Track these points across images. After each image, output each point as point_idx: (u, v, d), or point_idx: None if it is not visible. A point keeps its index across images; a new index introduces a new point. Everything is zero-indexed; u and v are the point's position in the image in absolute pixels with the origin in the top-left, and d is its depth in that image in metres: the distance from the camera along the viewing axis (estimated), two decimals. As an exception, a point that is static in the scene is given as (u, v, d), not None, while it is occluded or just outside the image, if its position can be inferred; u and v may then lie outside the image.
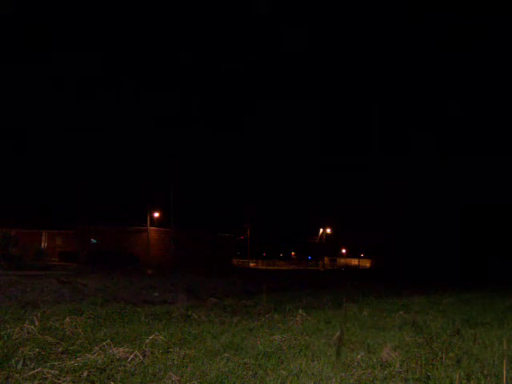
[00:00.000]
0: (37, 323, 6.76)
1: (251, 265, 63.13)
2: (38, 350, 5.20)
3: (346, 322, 8.48)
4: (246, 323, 8.40)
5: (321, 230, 68.47)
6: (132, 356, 5.06)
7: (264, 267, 59.34)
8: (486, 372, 4.94)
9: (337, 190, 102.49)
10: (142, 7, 73.60)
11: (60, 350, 5.42)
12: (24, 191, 51.38)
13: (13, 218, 35.85)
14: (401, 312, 9.92)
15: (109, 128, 66.78)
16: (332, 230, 69.06)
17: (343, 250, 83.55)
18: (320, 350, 6.04)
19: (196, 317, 8.94)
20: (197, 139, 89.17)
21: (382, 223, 72.38)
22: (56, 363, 4.72)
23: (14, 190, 50.93)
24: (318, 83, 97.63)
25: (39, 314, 7.67)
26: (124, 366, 4.82)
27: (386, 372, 4.89)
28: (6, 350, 5.17)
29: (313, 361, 5.42)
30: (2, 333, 6.08)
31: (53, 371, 4.39)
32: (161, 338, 6.03)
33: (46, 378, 4.26)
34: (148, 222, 42.57)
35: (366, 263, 78.34)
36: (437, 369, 5.05)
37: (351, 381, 4.64)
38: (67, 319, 7.20)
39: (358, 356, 5.50)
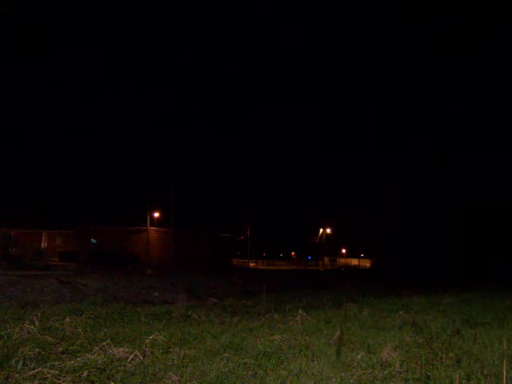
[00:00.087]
0: (37, 323, 6.76)
1: (251, 265, 63.12)
2: (37, 349, 5.20)
3: (346, 321, 8.47)
4: (245, 323, 8.40)
5: (321, 230, 68.48)
6: (132, 356, 5.06)
7: (264, 267, 59.34)
8: (486, 372, 4.94)
9: (337, 189, 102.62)
10: (142, 7, 73.65)
11: (60, 350, 5.42)
12: (24, 191, 51.45)
13: (13, 217, 35.85)
14: (401, 312, 9.92)
15: (109, 128, 66.86)
16: (332, 230, 69.08)
17: (343, 250, 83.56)
18: (320, 349, 6.04)
19: (196, 317, 8.94)
20: (197, 139, 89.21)
21: (382, 223, 72.47)
22: (56, 363, 4.72)
23: (14, 189, 51.00)
24: (317, 83, 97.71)
25: (39, 314, 7.67)
26: (124, 366, 4.82)
27: (385, 372, 4.89)
28: (5, 350, 5.17)
29: (313, 361, 5.43)
30: (2, 333, 6.08)
31: (53, 371, 4.39)
32: (161, 338, 6.03)
33: (46, 378, 4.26)
34: (148, 222, 42.57)
35: (366, 263, 78.34)
36: (437, 369, 5.05)
37: (351, 381, 4.64)
38: (67, 319, 7.20)
39: (358, 356, 5.50)
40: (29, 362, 4.81)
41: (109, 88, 77.38)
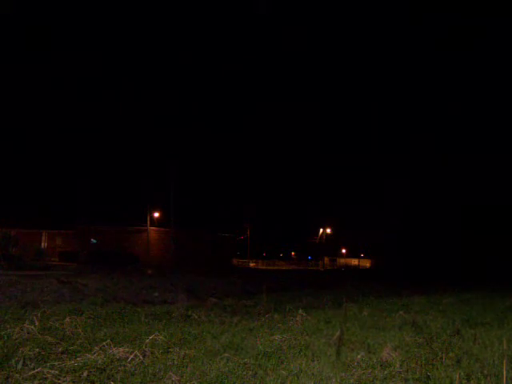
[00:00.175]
0: (37, 323, 6.76)
1: (251, 265, 63.12)
2: (37, 349, 5.20)
3: (346, 321, 8.47)
4: (245, 323, 8.40)
5: (321, 230, 68.48)
6: (132, 356, 5.06)
7: (264, 267, 59.33)
8: (486, 372, 4.94)
9: (337, 189, 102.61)
10: (142, 7, 73.65)
11: (60, 350, 5.42)
12: (24, 191, 51.45)
13: (13, 217, 35.85)
14: (401, 312, 9.92)
15: (109, 128, 66.86)
16: (332, 230, 69.08)
17: (343, 250, 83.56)
18: (320, 349, 6.04)
19: (196, 317, 8.93)
20: (197, 139, 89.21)
21: (382, 223, 72.47)
22: (56, 363, 4.72)
23: (14, 189, 51.00)
24: (317, 83, 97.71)
25: (39, 314, 7.67)
26: (124, 366, 4.82)
27: (386, 372, 4.89)
28: (6, 350, 5.17)
29: (313, 361, 5.43)
30: (2, 333, 6.08)
31: (53, 371, 4.39)
32: (161, 338, 6.03)
33: (46, 378, 4.26)
34: (148, 222, 42.57)
35: (366, 263, 78.34)
36: (437, 369, 5.05)
37: (351, 381, 4.64)
38: (67, 319, 7.20)
39: (358, 356, 5.50)
40: (29, 362, 4.81)
41: (109, 88, 77.44)
